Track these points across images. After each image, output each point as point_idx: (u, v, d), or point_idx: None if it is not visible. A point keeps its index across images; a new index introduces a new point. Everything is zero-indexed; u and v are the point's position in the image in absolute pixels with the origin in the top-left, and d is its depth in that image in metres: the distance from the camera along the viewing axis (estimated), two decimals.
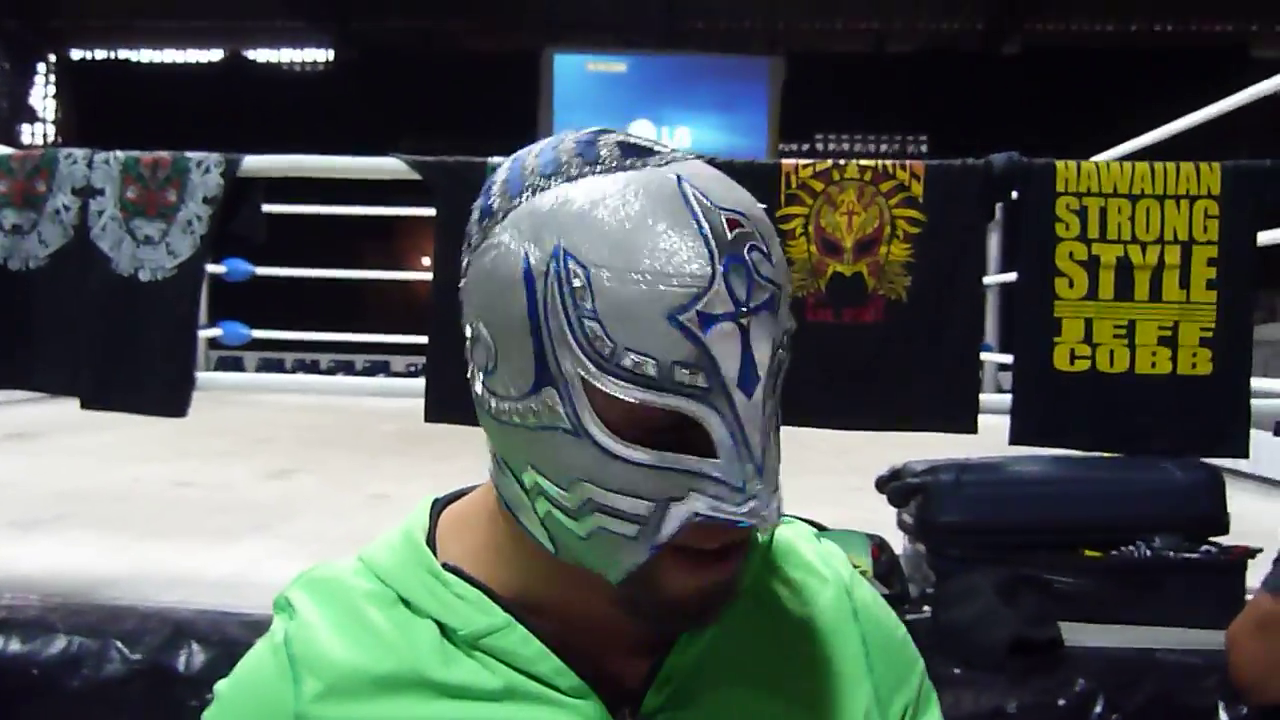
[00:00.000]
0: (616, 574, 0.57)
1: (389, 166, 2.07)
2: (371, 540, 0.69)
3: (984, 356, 4.71)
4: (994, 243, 4.40)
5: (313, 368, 11.03)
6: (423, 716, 0.60)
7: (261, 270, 5.02)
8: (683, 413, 0.53)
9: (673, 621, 0.60)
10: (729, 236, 0.53)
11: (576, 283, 0.53)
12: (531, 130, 12.44)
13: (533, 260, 0.54)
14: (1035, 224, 1.91)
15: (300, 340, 5.98)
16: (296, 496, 3.14)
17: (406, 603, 0.63)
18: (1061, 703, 1.49)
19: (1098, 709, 1.48)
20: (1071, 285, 1.90)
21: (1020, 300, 1.96)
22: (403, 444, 4.10)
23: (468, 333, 0.61)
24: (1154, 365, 1.89)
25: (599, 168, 0.56)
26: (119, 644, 1.59)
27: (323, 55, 14.31)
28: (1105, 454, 1.92)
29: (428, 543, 0.66)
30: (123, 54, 14.10)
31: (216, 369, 8.35)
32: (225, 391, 4.79)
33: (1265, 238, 1.95)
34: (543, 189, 0.57)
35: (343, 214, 5.49)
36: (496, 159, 1.99)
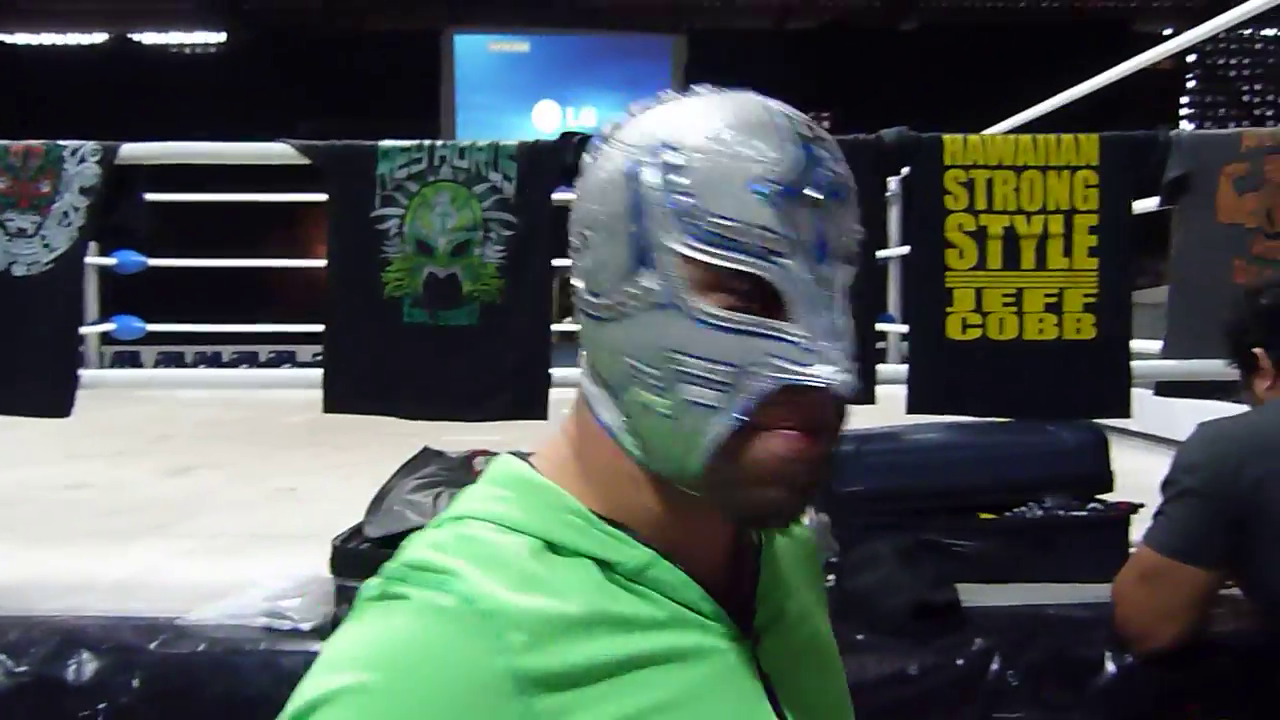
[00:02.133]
0: (703, 451, 0.59)
1: (277, 152, 2.00)
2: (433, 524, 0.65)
3: (885, 328, 4.80)
4: (891, 217, 4.49)
5: (214, 360, 10.70)
6: (619, 652, 0.60)
7: (155, 261, 4.83)
8: (763, 276, 0.58)
9: (760, 510, 0.61)
10: (805, 134, 0.61)
11: (673, 161, 0.60)
12: (434, 111, 12.23)
13: (635, 157, 0.61)
14: (925, 197, 1.95)
15: (200, 332, 5.78)
16: (197, 494, 3.06)
17: (554, 548, 0.62)
18: (960, 662, 1.53)
19: (994, 666, 1.53)
20: (961, 256, 1.95)
21: (913, 272, 2.00)
22: (308, 436, 4.02)
23: (573, 250, 0.66)
24: (1041, 331, 1.95)
25: (691, 94, 0.65)
26: (2, 657, 1.52)
27: (215, 37, 13.82)
28: (998, 419, 1.98)
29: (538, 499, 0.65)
30: (0, 37, 13.41)
31: (112, 365, 8.03)
32: (117, 389, 4.62)
33: (1140, 205, 2.02)
34: (631, 113, 0.65)
35: (243, 201, 5.32)
36: (387, 143, 1.95)
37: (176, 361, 10.36)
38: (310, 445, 3.86)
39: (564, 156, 1.95)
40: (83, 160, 1.97)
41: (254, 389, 5.05)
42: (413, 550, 0.61)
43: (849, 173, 0.62)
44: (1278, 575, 1.36)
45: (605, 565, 0.62)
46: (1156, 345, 2.03)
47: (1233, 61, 14.13)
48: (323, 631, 1.56)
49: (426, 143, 1.95)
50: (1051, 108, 3.59)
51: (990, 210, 1.95)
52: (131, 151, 1.99)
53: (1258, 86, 14.35)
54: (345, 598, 1.56)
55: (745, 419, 0.58)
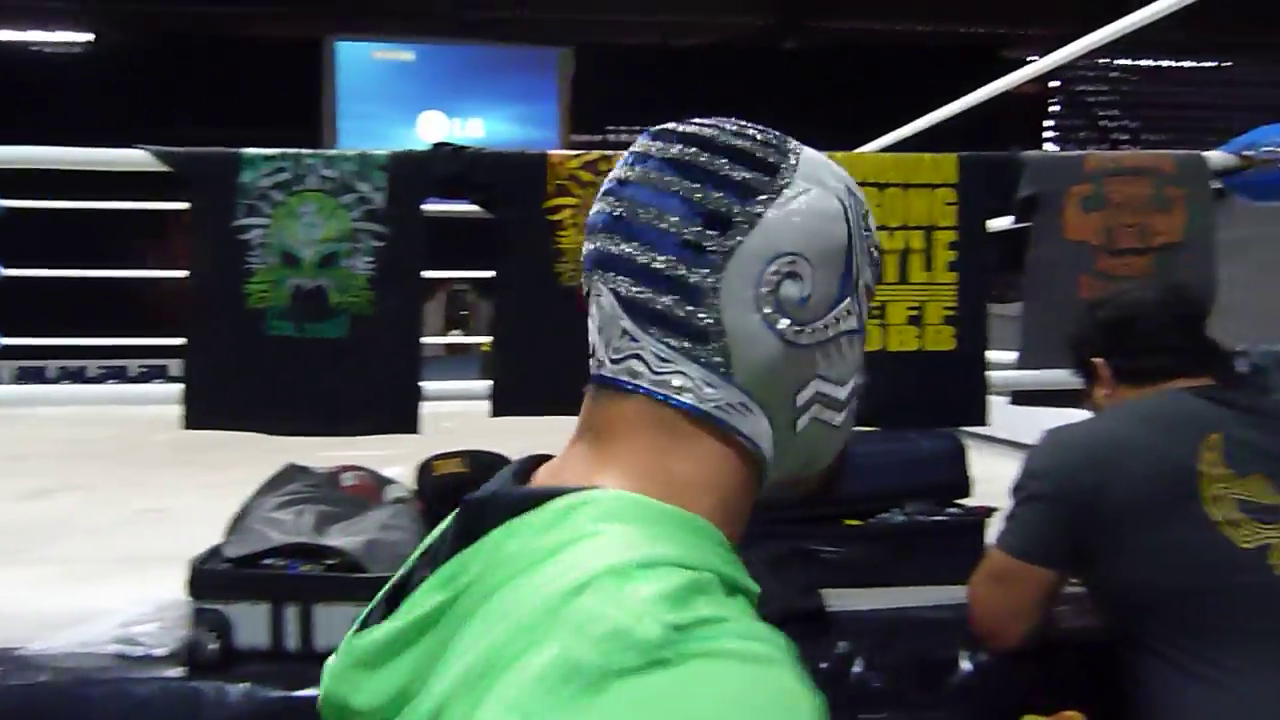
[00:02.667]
0: (837, 449, 0.75)
1: (135, 159, 1.92)
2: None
3: None
4: None
5: (78, 375, 10.20)
6: None
7: (12, 272, 4.58)
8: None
9: (816, 488, 0.77)
10: None
11: (862, 204, 0.72)
12: (316, 119, 11.94)
13: (840, 197, 0.69)
14: None
15: (63, 346, 5.51)
16: (56, 518, 2.91)
17: (729, 584, 0.59)
18: (824, 665, 1.57)
19: (856, 668, 1.57)
20: None
21: None
22: (177, 454, 3.86)
23: (772, 273, 0.66)
24: (903, 343, 2.02)
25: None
26: None
27: (81, 37, 13.22)
28: (863, 429, 2.04)
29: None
30: None
31: None
32: None
33: (995, 224, 2.11)
34: (793, 149, 0.71)
35: (109, 210, 5.08)
36: (251, 150, 1.89)
37: (37, 377, 9.83)
38: (179, 464, 3.72)
39: (436, 168, 1.94)
40: None
41: (118, 405, 4.83)
42: (647, 607, 0.51)
43: None
44: (1117, 574, 1.43)
45: (749, 597, 0.60)
46: (1010, 356, 2.13)
47: (1090, 88, 14.94)
48: (179, 657, 1.50)
49: (292, 151, 1.90)
50: (924, 127, 3.73)
51: None
52: None
53: (1114, 112, 15.21)
54: (203, 620, 1.51)
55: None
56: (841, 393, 0.71)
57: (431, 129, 12.23)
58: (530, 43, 13.20)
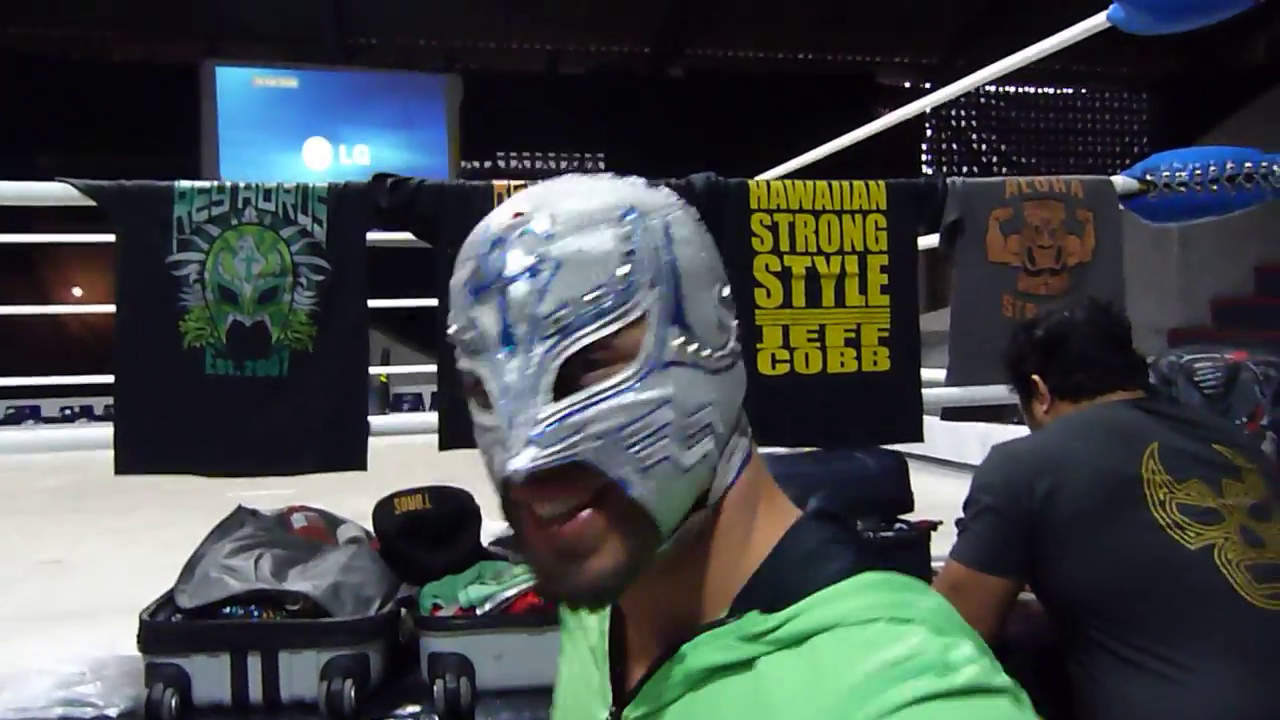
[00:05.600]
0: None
1: (56, 192, 1.84)
2: None
3: None
4: None
5: None
6: (573, 624, 0.77)
7: None
8: (471, 372, 0.62)
9: (541, 591, 0.65)
10: (506, 224, 0.62)
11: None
12: (195, 146, 11.55)
13: None
14: (733, 239, 2.04)
15: None
16: None
17: None
18: None
19: None
20: (769, 295, 2.05)
21: None
22: (71, 500, 3.67)
23: None
24: (843, 365, 2.08)
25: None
26: None
27: None
28: (807, 449, 2.09)
29: None
30: None
31: None
32: None
33: (925, 243, 2.20)
34: None
35: None
36: (185, 183, 1.83)
37: None
38: (75, 511, 3.53)
39: (376, 198, 1.91)
40: None
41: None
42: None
43: (564, 245, 0.60)
44: (1069, 578, 1.50)
45: None
46: (940, 374, 2.21)
47: (962, 113, 15.66)
48: (134, 716, 1.43)
49: (229, 184, 1.85)
50: (818, 157, 3.85)
51: (793, 251, 2.06)
52: None
53: (985, 134, 15.96)
54: (159, 676, 1.43)
55: (508, 513, 0.64)
56: None
57: (317, 156, 12.00)
58: (416, 69, 13.08)
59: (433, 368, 1.90)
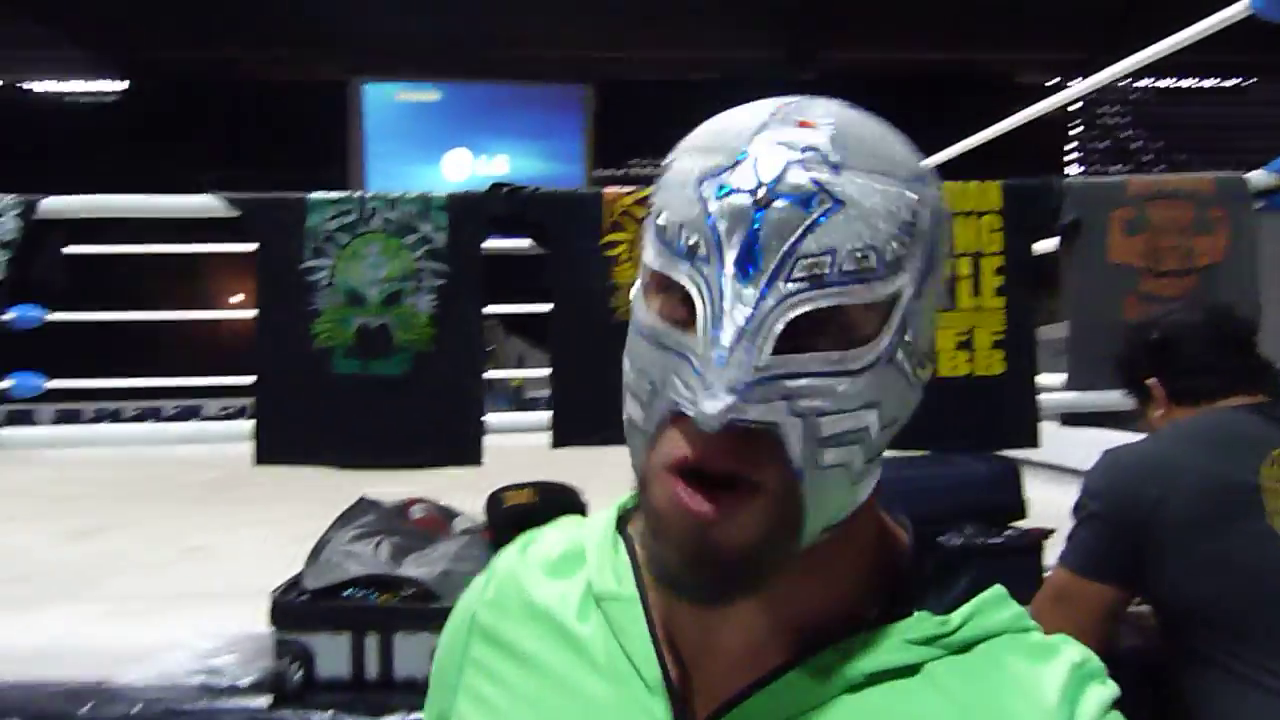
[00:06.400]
0: (636, 473, 0.55)
1: (204, 205, 2.00)
2: None
3: None
4: None
5: (115, 417, 10.34)
6: (543, 657, 0.62)
7: (55, 316, 4.67)
8: (676, 278, 0.52)
9: (657, 567, 0.54)
10: (784, 129, 0.52)
11: (663, 164, 0.55)
12: (342, 161, 12.15)
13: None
14: None
15: (100, 389, 5.60)
16: (106, 556, 2.97)
17: (585, 558, 0.65)
18: None
19: None
20: None
21: None
22: (219, 493, 3.93)
23: None
24: (954, 368, 2.05)
25: None
26: None
27: (112, 86, 13.51)
28: (915, 453, 2.07)
29: (627, 511, 0.65)
30: None
31: (6, 424, 7.70)
32: (14, 449, 4.44)
33: (1040, 247, 2.15)
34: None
35: (142, 253, 5.19)
36: (317, 195, 1.96)
37: (74, 419, 9.97)
38: (220, 502, 3.78)
39: (493, 207, 1.99)
40: (1, 214, 1.94)
41: (161, 446, 4.92)
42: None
43: (848, 181, 0.51)
44: (1177, 588, 1.45)
45: (590, 585, 0.63)
46: (1058, 379, 2.15)
47: (1113, 109, 14.98)
48: (263, 686, 1.55)
49: (356, 194, 1.97)
50: (954, 154, 3.77)
51: None
52: (52, 205, 1.96)
53: (1138, 131, 15.22)
54: (286, 651, 1.55)
55: (652, 442, 0.53)
56: (625, 379, 0.57)
57: (457, 167, 12.45)
58: (553, 80, 13.39)
59: None
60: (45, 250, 1.99)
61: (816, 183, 0.50)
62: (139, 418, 10.17)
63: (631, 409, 0.55)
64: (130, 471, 4.89)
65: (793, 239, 0.50)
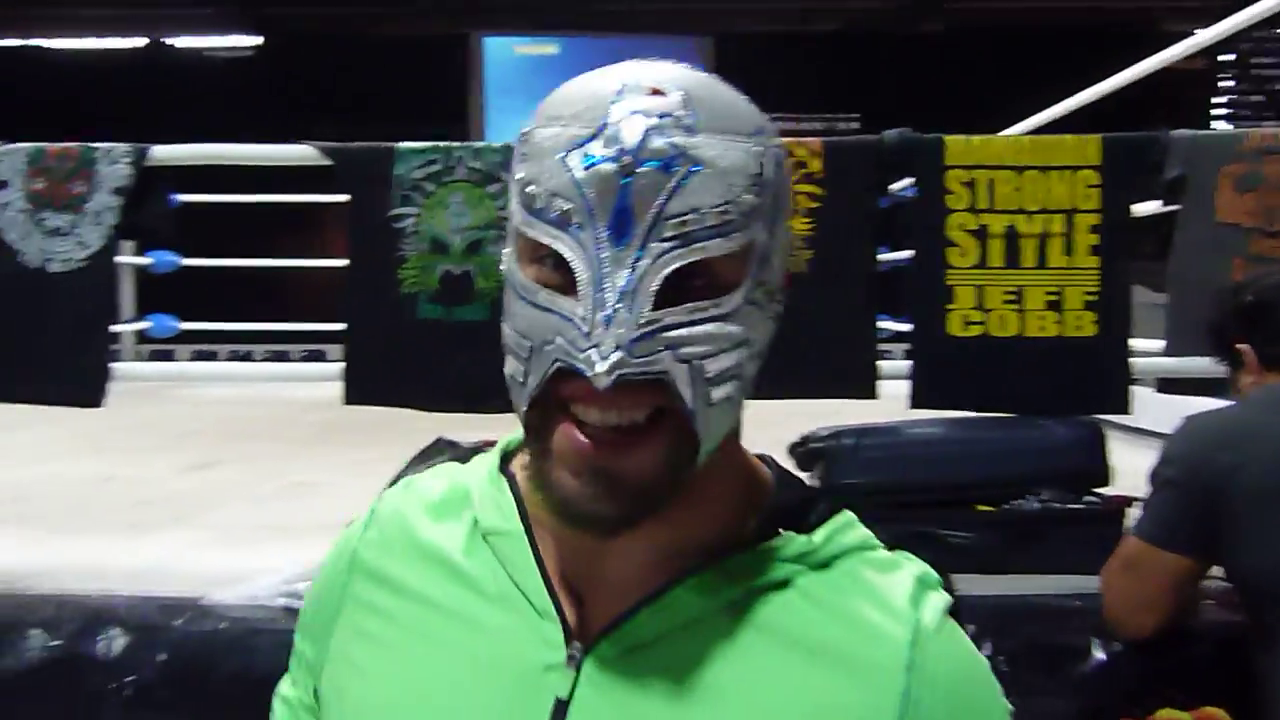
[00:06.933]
0: (519, 420, 0.60)
1: (299, 154, 2.08)
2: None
3: (888, 325, 4.80)
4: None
5: (246, 359, 10.87)
6: (431, 592, 0.65)
7: (189, 261, 4.94)
8: (557, 248, 0.56)
9: (555, 497, 0.58)
10: (639, 97, 0.56)
11: (523, 138, 0.59)
12: (463, 115, 12.36)
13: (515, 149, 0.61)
14: (927, 196, 2.00)
15: (231, 331, 5.90)
16: (217, 487, 3.14)
17: (468, 499, 0.68)
18: None
19: (984, 652, 1.57)
20: (963, 254, 1.99)
21: (915, 269, 2.04)
22: (328, 433, 4.11)
23: None
24: (1042, 329, 1.98)
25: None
26: (37, 631, 1.60)
27: (246, 41, 14.03)
28: (997, 414, 2.02)
29: (508, 454, 0.70)
30: (36, 42, 13.68)
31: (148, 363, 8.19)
32: (150, 388, 4.73)
33: (1141, 209, 2.05)
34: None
35: (267, 202, 5.42)
36: (404, 145, 2.02)
37: (209, 360, 10.53)
38: (327, 443, 3.95)
39: None
40: (115, 162, 2.06)
41: (278, 384, 5.16)
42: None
43: (704, 144, 0.55)
44: (1252, 560, 1.39)
45: (476, 524, 0.66)
46: (1155, 344, 2.06)
47: (1267, 60, 13.98)
48: None
49: (443, 145, 2.02)
50: (1073, 108, 3.57)
51: (991, 209, 1.98)
52: (161, 153, 2.07)
53: None
54: None
55: (540, 397, 0.57)
56: (506, 342, 0.61)
57: None
58: (671, 33, 13.28)
59: None
60: (154, 198, 2.10)
61: (675, 147, 0.55)
62: (268, 361, 10.68)
63: (512, 366, 0.59)
64: (249, 410, 5.15)
65: (659, 202, 0.54)
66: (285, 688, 0.74)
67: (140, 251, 4.84)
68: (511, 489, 0.67)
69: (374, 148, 2.03)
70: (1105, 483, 1.90)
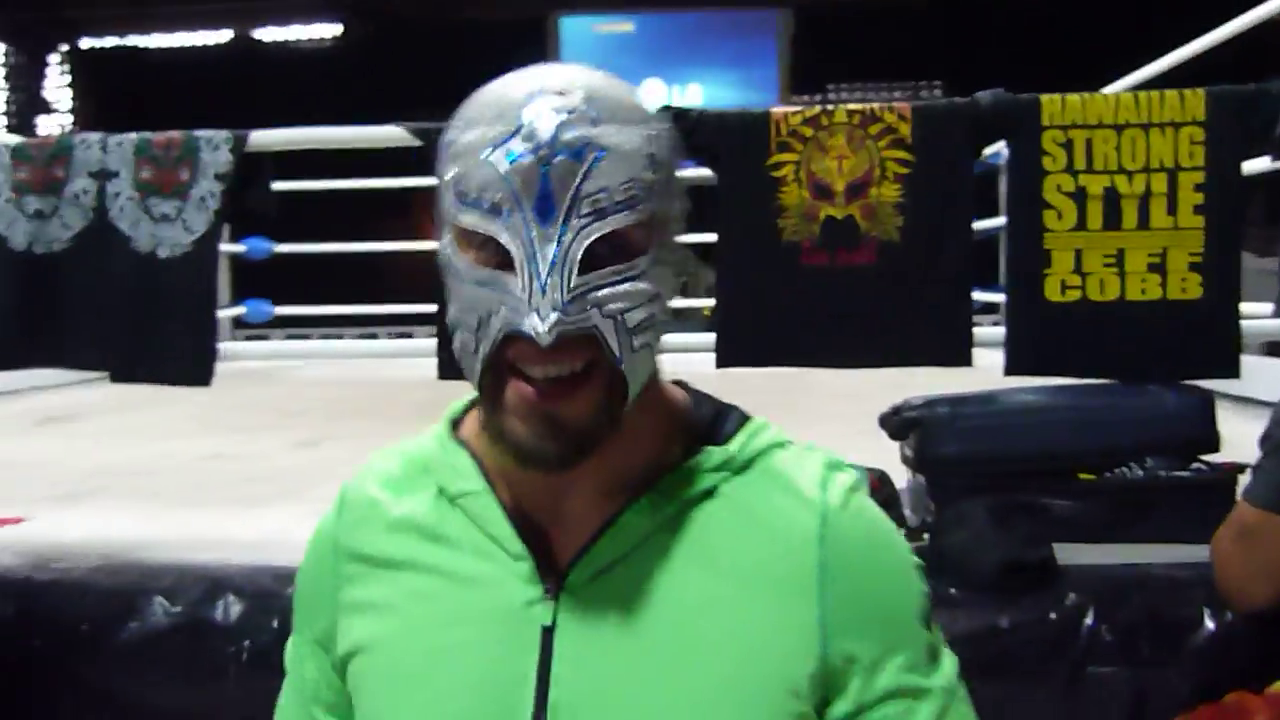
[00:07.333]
0: (474, 386, 0.70)
1: (392, 135, 2.13)
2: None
3: (981, 296, 4.69)
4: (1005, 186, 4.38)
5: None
6: (414, 557, 0.76)
7: (282, 248, 5.10)
8: (490, 233, 0.66)
9: (512, 445, 0.68)
10: (548, 98, 0.65)
11: (446, 140, 0.69)
12: None
13: (439, 148, 0.71)
14: (1022, 158, 1.95)
15: (323, 315, 6.06)
16: (324, 464, 3.24)
17: (427, 469, 0.78)
18: (1053, 616, 1.55)
19: (1088, 621, 1.54)
20: (1060, 217, 1.94)
21: (1011, 233, 2.00)
22: (427, 411, 4.18)
23: None
24: (1144, 292, 1.92)
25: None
26: (160, 599, 1.69)
27: (331, 30, 14.31)
28: (1098, 381, 1.97)
29: (455, 423, 0.81)
30: (133, 41, 14.17)
31: None
32: (254, 370, 4.91)
33: (1252, 166, 1.96)
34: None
35: (359, 188, 5.55)
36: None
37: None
38: (425, 420, 4.03)
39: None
40: (216, 148, 2.13)
41: (373, 366, 5.31)
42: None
43: (606, 133, 0.65)
44: None
45: (442, 490, 0.76)
46: (1264, 308, 1.98)
47: None
48: None
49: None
50: (1169, 66, 3.42)
51: (1090, 170, 1.93)
52: (260, 138, 2.14)
53: None
54: None
55: (491, 361, 0.67)
56: (452, 319, 0.71)
57: (653, 97, 12.50)
58: (748, 6, 13.13)
59: None
60: (257, 182, 2.17)
61: (583, 137, 0.64)
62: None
63: (464, 338, 0.69)
64: (350, 390, 5.29)
65: (575, 184, 0.64)
66: (292, 666, 0.85)
67: (234, 239, 5.02)
68: (468, 453, 0.77)
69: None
70: (1215, 450, 1.84)
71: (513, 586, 0.72)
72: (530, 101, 0.65)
